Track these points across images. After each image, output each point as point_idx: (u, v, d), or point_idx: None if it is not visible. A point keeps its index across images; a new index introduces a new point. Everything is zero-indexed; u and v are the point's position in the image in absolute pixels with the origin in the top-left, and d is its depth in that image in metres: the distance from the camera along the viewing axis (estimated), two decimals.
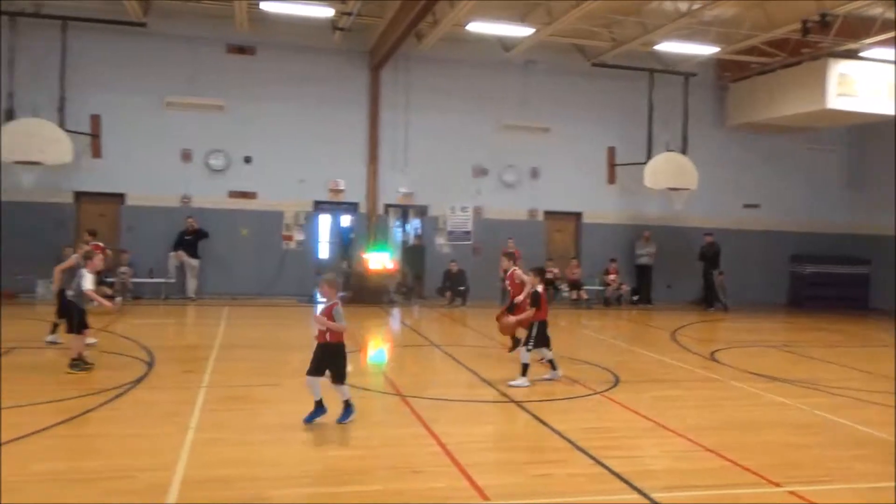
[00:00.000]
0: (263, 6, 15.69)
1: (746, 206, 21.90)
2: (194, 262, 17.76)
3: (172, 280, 17.74)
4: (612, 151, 20.56)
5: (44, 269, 16.73)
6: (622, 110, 20.58)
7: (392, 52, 17.72)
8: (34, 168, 15.92)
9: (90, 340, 10.68)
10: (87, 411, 7.73)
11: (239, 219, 18.59)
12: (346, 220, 21.44)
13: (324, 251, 23.95)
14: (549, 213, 20.86)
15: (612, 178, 20.66)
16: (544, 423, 7.70)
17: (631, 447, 7.04)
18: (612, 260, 20.18)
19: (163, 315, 15.75)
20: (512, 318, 10.47)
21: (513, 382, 9.52)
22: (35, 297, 16.59)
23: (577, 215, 21.13)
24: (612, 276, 20.02)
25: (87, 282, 9.66)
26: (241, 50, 18.50)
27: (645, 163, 19.51)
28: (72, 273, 10.26)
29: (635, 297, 20.28)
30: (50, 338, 11.16)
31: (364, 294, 18.21)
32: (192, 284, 17.78)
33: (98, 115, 17.35)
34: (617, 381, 10.00)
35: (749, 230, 21.74)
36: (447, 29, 17.15)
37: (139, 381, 9.21)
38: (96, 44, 17.32)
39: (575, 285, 19.50)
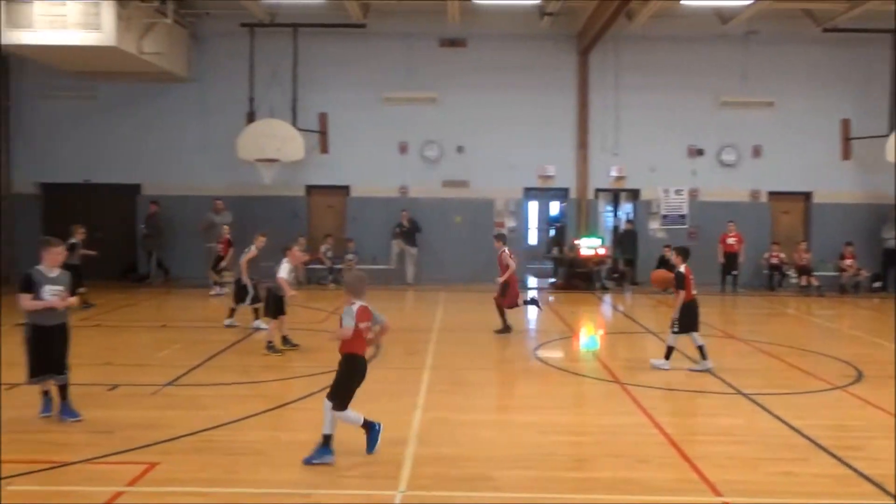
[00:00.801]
0: None
1: None
2: (413, 250, 18.64)
3: (393, 267, 18.72)
4: (846, 124, 18.76)
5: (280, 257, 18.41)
6: (858, 79, 18.68)
7: (601, 34, 17.36)
8: (272, 165, 17.44)
9: (262, 326, 11.61)
10: (325, 388, 8.36)
11: (452, 207, 19.19)
12: (555, 206, 21.40)
13: (533, 237, 24.16)
14: (773, 194, 19.44)
15: (846, 154, 18.85)
16: (778, 418, 7.23)
17: (879, 448, 6.40)
18: (848, 244, 18.41)
19: (386, 299, 16.56)
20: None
21: (654, 361, 9.40)
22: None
23: (807, 195, 19.51)
24: (848, 261, 18.28)
25: (283, 271, 10.38)
26: (452, 43, 19.02)
27: (887, 135, 17.58)
28: (255, 263, 11.64)
29: (876, 285, 18.37)
30: (254, 324, 12.08)
31: (575, 280, 18.16)
32: (410, 271, 18.69)
33: (325, 112, 18.72)
34: (860, 376, 9.14)
35: None
36: (659, 5, 16.50)
37: (369, 361, 9.82)
38: (322, 46, 18.59)
39: (803, 271, 18.06)
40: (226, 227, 14.64)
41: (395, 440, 6.48)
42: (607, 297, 17.28)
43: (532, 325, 14.22)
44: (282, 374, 9.06)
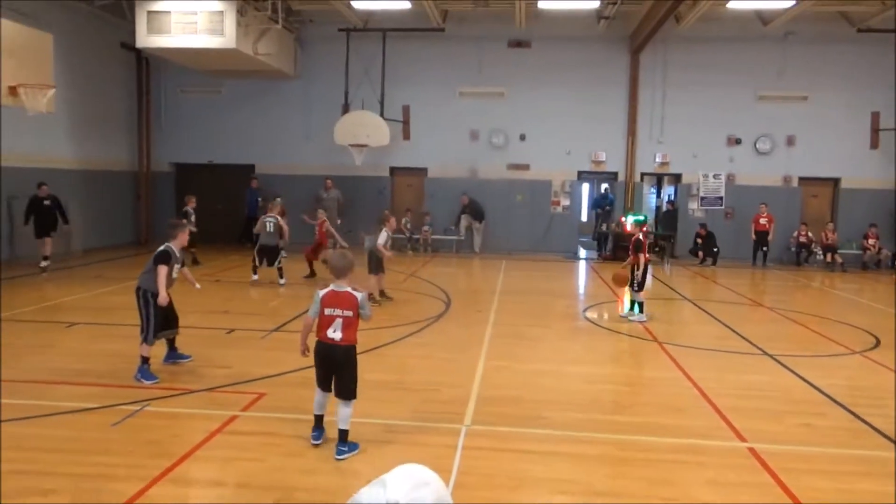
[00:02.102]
0: (541, 5, 15.61)
1: None
2: (479, 224, 18.60)
3: (462, 237, 18.75)
4: (876, 116, 17.65)
5: (368, 228, 18.66)
6: (890, 75, 17.48)
7: (651, 36, 16.75)
8: (362, 150, 17.60)
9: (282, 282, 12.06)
10: (404, 337, 8.50)
11: (515, 187, 19.01)
12: (603, 188, 20.95)
13: (584, 215, 23.75)
14: (804, 179, 18.51)
15: (875, 143, 17.77)
16: (800, 377, 6.97)
17: (892, 407, 6.09)
18: (872, 225, 17.43)
19: (455, 265, 16.70)
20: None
21: (629, 315, 9.90)
22: (363, 248, 18.46)
23: (835, 181, 18.51)
24: (871, 241, 17.32)
25: (381, 238, 10.51)
26: (519, 44, 18.68)
27: None
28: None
29: None
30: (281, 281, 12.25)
31: (620, 252, 17.78)
32: (477, 241, 18.67)
33: (408, 105, 18.73)
34: (878, 343, 8.71)
35: None
36: (707, 8, 15.79)
37: (440, 316, 9.91)
38: (406, 47, 18.53)
39: (829, 249, 17.21)
40: (322, 212, 14.29)
41: (462, 383, 6.53)
42: (649, 268, 16.83)
43: (581, 290, 14.06)
44: (368, 324, 9.20)
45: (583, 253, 18.98)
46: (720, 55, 18.05)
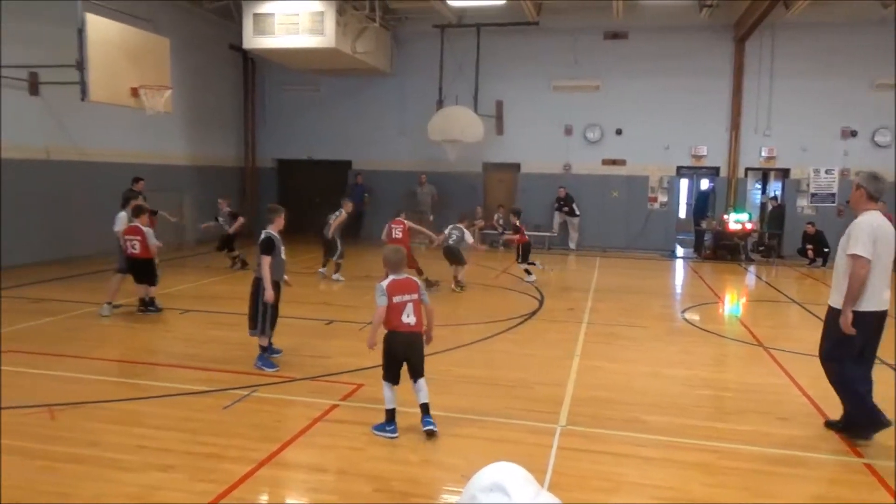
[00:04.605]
0: None
1: None
2: (574, 220, 18.36)
3: (555, 234, 18.55)
4: None
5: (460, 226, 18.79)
6: None
7: (758, 23, 15.94)
8: (455, 145, 17.72)
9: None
10: (497, 333, 8.53)
11: (610, 182, 18.61)
12: (705, 183, 20.14)
13: (683, 211, 22.96)
14: None
15: None
16: None
17: None
18: None
19: (548, 262, 16.51)
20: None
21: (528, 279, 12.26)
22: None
23: None
24: None
25: (468, 237, 11.52)
26: (615, 35, 18.24)
27: None
28: (341, 225, 12.20)
29: None
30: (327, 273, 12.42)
31: (722, 251, 17.09)
32: (573, 238, 18.45)
33: (501, 100, 18.71)
34: None
35: None
36: None
37: (533, 313, 9.87)
38: (500, 42, 18.49)
39: None
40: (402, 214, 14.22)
41: (555, 382, 6.49)
42: (752, 268, 16.10)
43: (679, 290, 13.60)
44: (452, 319, 9.29)
45: (681, 251, 18.34)
46: (833, 41, 16.93)
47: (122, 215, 9.39)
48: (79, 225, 13.72)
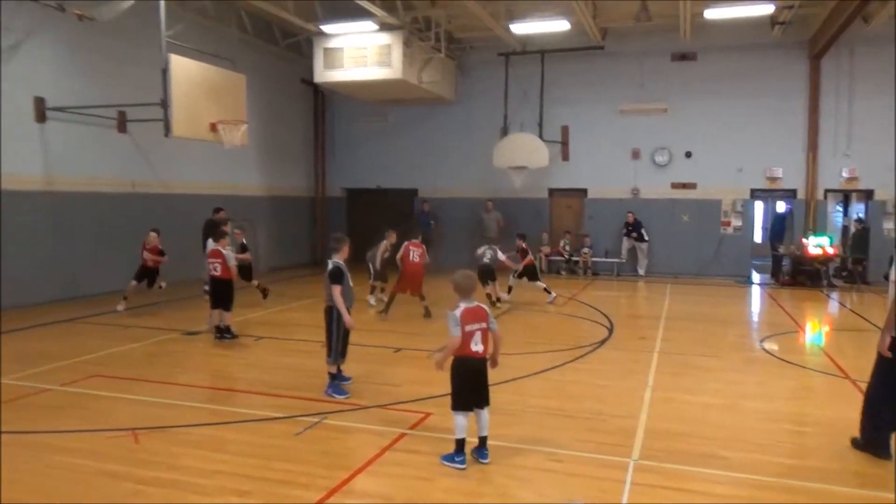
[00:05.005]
0: (707, 14, 14.90)
1: None
2: (643, 245, 18.01)
3: (624, 260, 18.21)
4: None
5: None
6: None
7: (835, 39, 15.37)
8: (521, 171, 17.74)
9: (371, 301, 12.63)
10: (566, 362, 8.40)
11: (680, 206, 18.19)
12: (781, 206, 19.41)
13: (759, 236, 22.19)
14: None
15: None
16: None
17: None
18: None
19: (617, 289, 16.24)
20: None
21: (503, 296, 12.81)
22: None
23: None
24: None
25: (500, 255, 12.41)
26: (683, 57, 17.96)
27: None
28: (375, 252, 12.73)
29: None
30: (369, 298, 12.73)
31: (801, 277, 16.35)
32: (642, 264, 18.08)
33: (567, 125, 18.64)
34: None
35: None
36: None
37: (603, 342, 9.68)
38: (564, 68, 18.48)
39: None
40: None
41: (628, 413, 6.33)
42: (835, 295, 15.33)
43: (756, 318, 13.08)
44: (521, 347, 9.20)
45: (757, 277, 17.66)
46: None
47: (211, 242, 10.01)
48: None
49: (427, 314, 11.32)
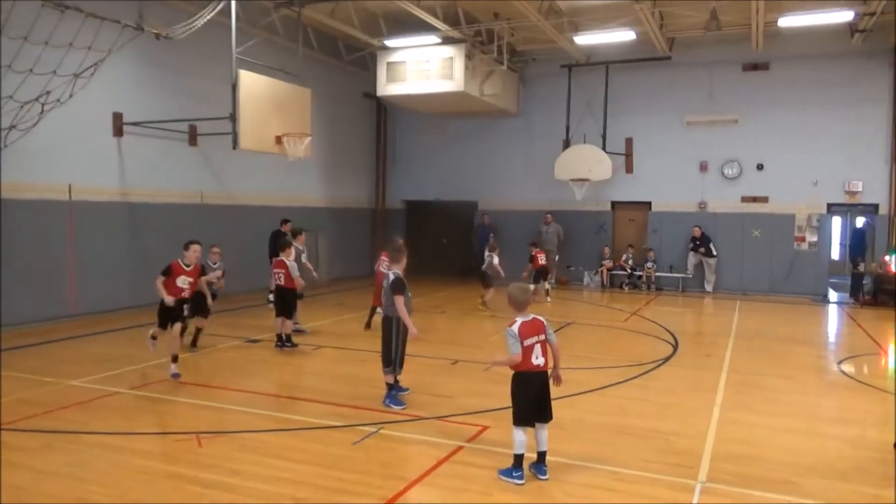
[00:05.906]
0: (782, 22, 14.41)
1: None
2: (711, 260, 17.45)
3: (690, 275, 17.70)
4: None
5: (590, 263, 18.49)
6: None
7: None
8: (583, 183, 17.52)
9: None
10: (630, 378, 8.19)
11: (750, 221, 17.54)
12: (860, 221, 18.47)
13: (836, 252, 21.19)
14: None
15: None
16: None
17: None
18: None
19: (682, 305, 15.78)
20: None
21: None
22: (582, 284, 18.37)
23: None
24: None
25: (495, 260, 13.35)
26: (755, 67, 17.39)
27: None
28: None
29: None
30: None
31: (883, 296, 15.46)
32: (710, 280, 17.52)
33: (631, 137, 18.32)
34: None
35: None
36: None
37: (668, 359, 9.40)
38: (629, 79, 18.19)
39: None
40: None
41: (694, 434, 6.10)
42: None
43: (833, 338, 12.45)
44: (583, 363, 9.02)
45: (834, 296, 16.83)
46: None
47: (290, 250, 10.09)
48: (227, 263, 14.81)
49: (368, 326, 11.05)
